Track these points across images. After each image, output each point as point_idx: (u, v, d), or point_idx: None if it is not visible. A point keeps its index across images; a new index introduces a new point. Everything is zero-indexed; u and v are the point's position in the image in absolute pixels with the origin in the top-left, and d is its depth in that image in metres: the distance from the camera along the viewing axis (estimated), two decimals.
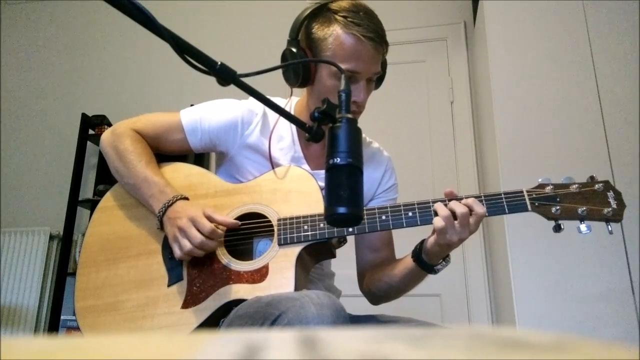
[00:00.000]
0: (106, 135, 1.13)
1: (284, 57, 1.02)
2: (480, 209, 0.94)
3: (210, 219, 0.98)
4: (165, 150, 1.14)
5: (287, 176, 1.06)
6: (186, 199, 1.02)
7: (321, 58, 1.01)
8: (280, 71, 0.76)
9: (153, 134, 1.12)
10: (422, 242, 1.02)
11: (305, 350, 0.19)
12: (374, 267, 1.15)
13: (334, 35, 0.99)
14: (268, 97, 0.74)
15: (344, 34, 0.98)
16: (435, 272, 1.03)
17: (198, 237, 0.95)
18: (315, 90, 1.04)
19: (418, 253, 1.02)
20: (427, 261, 1.01)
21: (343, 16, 0.99)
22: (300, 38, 1.03)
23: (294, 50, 1.00)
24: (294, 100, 1.16)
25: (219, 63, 0.63)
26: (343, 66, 0.98)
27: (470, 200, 0.95)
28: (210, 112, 1.11)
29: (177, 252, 0.97)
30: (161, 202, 1.00)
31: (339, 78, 0.98)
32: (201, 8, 3.41)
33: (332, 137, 0.65)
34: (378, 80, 1.08)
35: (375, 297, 1.16)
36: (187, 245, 0.96)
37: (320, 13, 1.02)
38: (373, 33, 0.99)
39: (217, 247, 1.00)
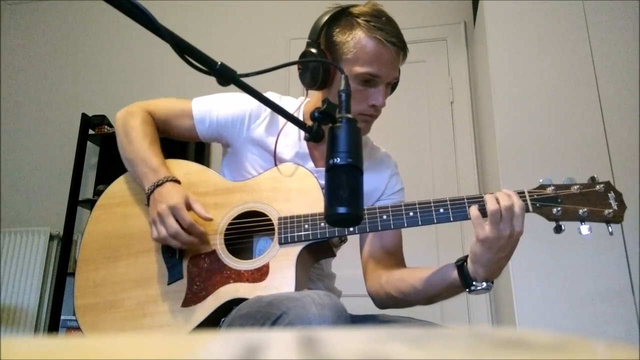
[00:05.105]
0: (121, 113, 1.16)
1: (303, 58, 1.03)
2: (518, 199, 0.89)
3: (189, 206, 0.98)
4: (173, 135, 1.17)
5: (288, 174, 1.06)
6: (177, 181, 1.03)
7: (338, 61, 1.01)
8: (280, 71, 0.76)
9: (164, 117, 1.15)
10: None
11: (306, 351, 0.19)
12: (389, 268, 1.10)
13: (356, 38, 1.00)
14: (267, 95, 0.74)
15: (366, 37, 0.99)
16: (470, 288, 0.92)
17: (174, 227, 0.96)
18: (332, 93, 1.02)
19: (462, 260, 0.95)
20: (470, 271, 0.91)
21: (366, 20, 1.00)
22: (321, 41, 1.03)
23: (314, 51, 1.00)
24: (304, 102, 1.17)
25: (219, 63, 0.63)
26: (364, 69, 0.99)
27: (510, 191, 0.91)
28: (221, 104, 1.13)
29: (154, 234, 0.98)
30: (151, 181, 1.01)
31: (359, 82, 1.00)
32: (201, 8, 3.41)
33: (332, 137, 0.65)
34: (393, 86, 1.08)
35: (389, 299, 1.07)
36: (162, 232, 0.97)
37: (342, 17, 1.03)
38: (395, 38, 1.00)
39: (194, 242, 0.99)
